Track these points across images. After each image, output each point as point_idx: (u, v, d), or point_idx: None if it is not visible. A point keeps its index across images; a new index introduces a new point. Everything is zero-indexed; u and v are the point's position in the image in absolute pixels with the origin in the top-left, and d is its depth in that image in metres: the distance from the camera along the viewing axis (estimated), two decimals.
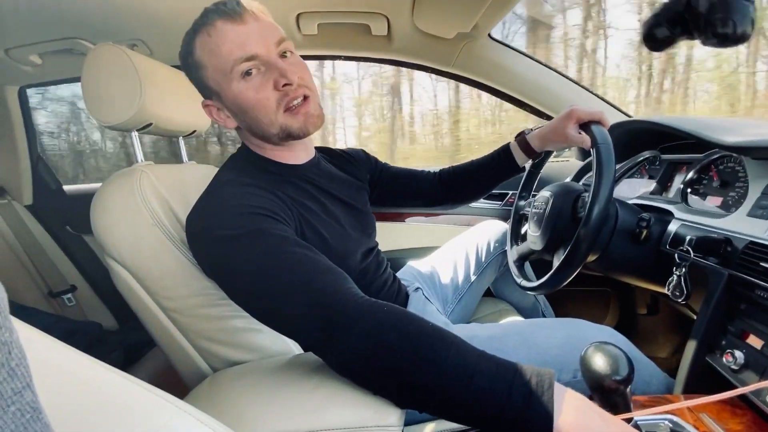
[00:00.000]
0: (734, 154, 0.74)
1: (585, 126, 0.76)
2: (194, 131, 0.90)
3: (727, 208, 0.73)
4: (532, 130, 0.90)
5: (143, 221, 0.64)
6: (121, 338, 1.37)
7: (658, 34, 0.44)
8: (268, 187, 0.62)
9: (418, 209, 1.38)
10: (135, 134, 0.75)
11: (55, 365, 0.27)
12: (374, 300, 0.49)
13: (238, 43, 0.58)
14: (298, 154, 0.72)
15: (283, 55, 0.62)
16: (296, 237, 0.57)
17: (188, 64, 0.64)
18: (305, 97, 0.63)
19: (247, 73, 0.60)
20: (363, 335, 0.45)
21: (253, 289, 0.53)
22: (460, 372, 0.42)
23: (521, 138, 0.90)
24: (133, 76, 0.68)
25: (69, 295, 1.54)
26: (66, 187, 1.61)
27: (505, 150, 0.93)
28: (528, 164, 0.96)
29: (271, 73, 0.60)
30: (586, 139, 0.75)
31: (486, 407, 0.41)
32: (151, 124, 0.75)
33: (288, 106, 0.62)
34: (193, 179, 0.77)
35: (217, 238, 0.54)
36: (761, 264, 0.55)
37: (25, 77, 1.33)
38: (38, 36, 1.09)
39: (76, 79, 1.42)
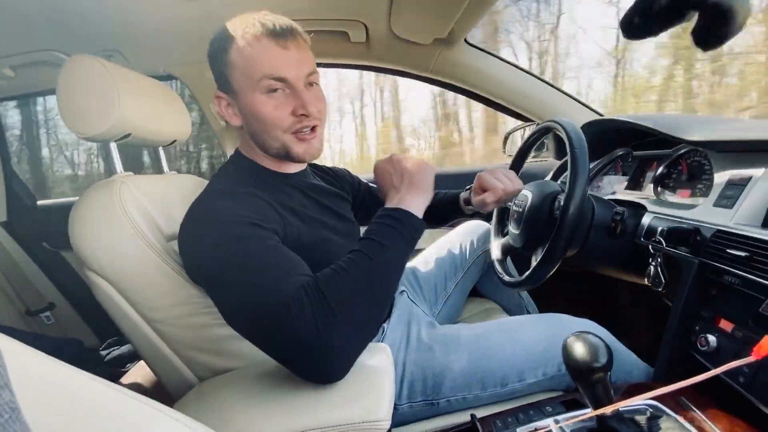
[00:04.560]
0: (700, 149, 0.78)
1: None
2: (174, 141, 0.90)
3: (696, 199, 0.76)
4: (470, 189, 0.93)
5: (124, 232, 0.63)
6: (104, 355, 1.33)
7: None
8: (260, 194, 0.63)
9: None
10: (113, 145, 0.74)
11: (40, 377, 0.26)
12: (299, 287, 0.49)
13: (275, 62, 0.62)
14: (289, 166, 0.75)
15: (309, 84, 0.66)
16: (280, 244, 0.57)
17: (218, 57, 0.65)
18: (314, 128, 0.68)
19: (272, 90, 0.63)
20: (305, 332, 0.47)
21: (229, 298, 0.54)
22: (373, 278, 0.52)
23: (466, 195, 0.95)
24: (110, 87, 0.67)
25: (47, 313, 1.49)
26: (41, 202, 1.57)
27: (456, 196, 0.98)
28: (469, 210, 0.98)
29: (293, 99, 0.64)
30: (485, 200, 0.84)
31: (400, 257, 0.56)
32: (129, 135, 0.74)
33: (296, 132, 0.66)
34: (174, 189, 0.76)
35: (205, 246, 0.55)
36: (728, 251, 0.58)
37: None
38: (11, 48, 1.06)
39: (51, 92, 1.39)
